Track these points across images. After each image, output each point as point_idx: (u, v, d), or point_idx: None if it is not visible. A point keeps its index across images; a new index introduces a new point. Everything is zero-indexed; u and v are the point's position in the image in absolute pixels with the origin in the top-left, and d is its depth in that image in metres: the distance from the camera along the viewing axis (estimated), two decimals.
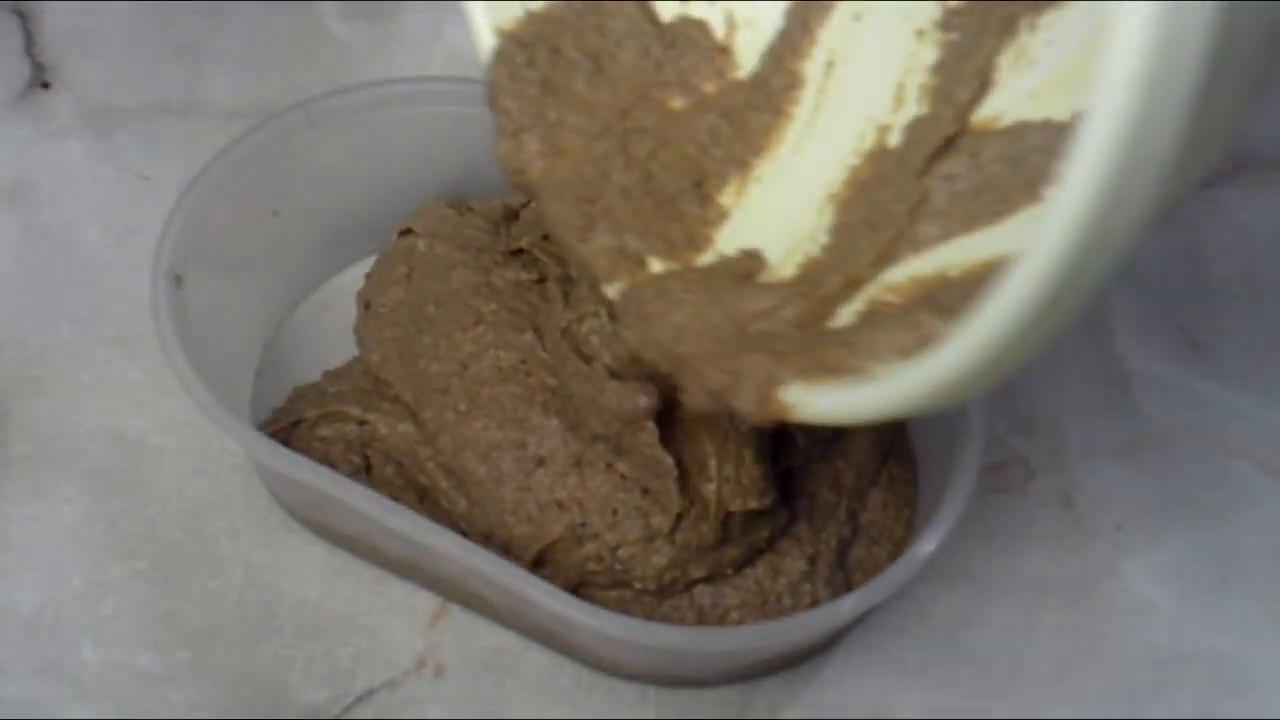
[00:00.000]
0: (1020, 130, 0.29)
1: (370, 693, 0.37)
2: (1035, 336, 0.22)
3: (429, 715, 0.37)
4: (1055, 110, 0.28)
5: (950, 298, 0.26)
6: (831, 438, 0.38)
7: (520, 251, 0.40)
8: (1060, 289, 0.20)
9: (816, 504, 0.38)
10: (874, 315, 0.28)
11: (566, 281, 0.38)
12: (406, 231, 0.41)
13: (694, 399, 0.29)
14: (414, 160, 0.42)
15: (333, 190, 0.42)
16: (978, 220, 0.28)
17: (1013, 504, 0.42)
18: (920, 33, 0.31)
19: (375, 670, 0.38)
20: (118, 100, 0.48)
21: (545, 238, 0.40)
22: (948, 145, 0.29)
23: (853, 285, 0.29)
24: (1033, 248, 0.20)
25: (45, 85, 0.49)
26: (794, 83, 0.33)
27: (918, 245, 0.29)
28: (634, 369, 0.36)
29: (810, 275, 0.30)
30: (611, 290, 0.32)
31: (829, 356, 0.27)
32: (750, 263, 0.31)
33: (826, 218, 0.31)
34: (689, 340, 0.29)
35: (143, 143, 0.47)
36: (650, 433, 0.35)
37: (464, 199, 0.42)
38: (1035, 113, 0.29)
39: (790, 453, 0.37)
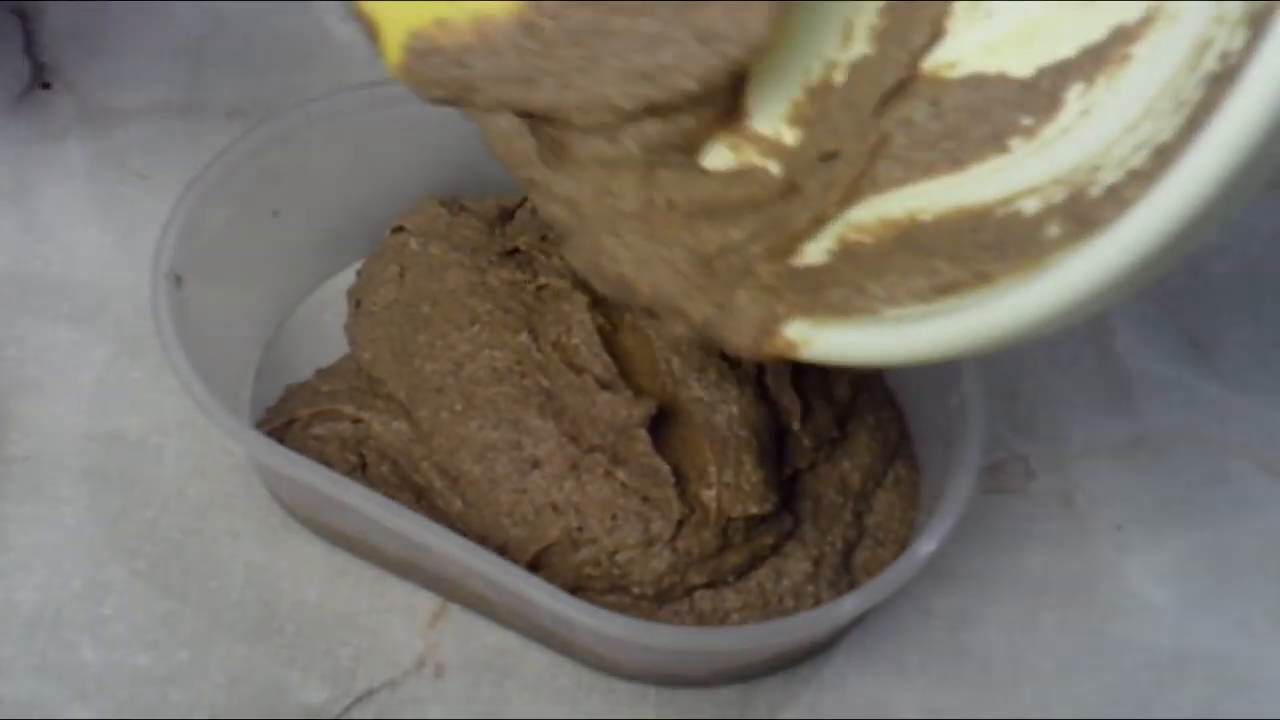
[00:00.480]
0: (976, 81, 0.29)
1: (370, 693, 0.37)
2: (1107, 296, 0.24)
3: (429, 715, 0.37)
4: (1012, 65, 0.29)
5: (938, 243, 0.27)
6: (837, 439, 0.38)
7: (515, 251, 0.40)
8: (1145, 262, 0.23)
9: (822, 506, 0.38)
10: (850, 254, 0.29)
11: (555, 290, 0.38)
12: (398, 229, 0.41)
13: (672, 329, 0.29)
14: (413, 160, 0.42)
15: (333, 190, 0.42)
16: (938, 166, 0.29)
17: (1013, 504, 0.42)
18: None
19: (375, 670, 0.38)
20: (118, 100, 0.48)
21: (543, 238, 0.40)
22: (900, 88, 0.30)
23: (818, 222, 0.29)
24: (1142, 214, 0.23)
25: (45, 85, 0.49)
26: None
27: (879, 185, 0.29)
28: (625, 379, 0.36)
29: (768, 210, 0.30)
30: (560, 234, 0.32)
31: (834, 296, 0.28)
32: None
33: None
34: (653, 278, 0.29)
35: (143, 143, 0.47)
36: (644, 441, 0.35)
37: (460, 198, 0.42)
38: (991, 65, 0.29)
39: (796, 456, 0.37)
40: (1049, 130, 0.28)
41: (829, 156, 0.30)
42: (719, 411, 0.36)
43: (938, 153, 0.29)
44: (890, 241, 0.28)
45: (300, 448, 0.38)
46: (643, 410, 0.35)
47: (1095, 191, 0.25)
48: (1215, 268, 0.47)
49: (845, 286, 0.28)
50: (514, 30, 0.30)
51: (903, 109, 0.30)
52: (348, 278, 0.43)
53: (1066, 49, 0.28)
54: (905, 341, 0.27)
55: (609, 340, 0.36)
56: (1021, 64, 0.29)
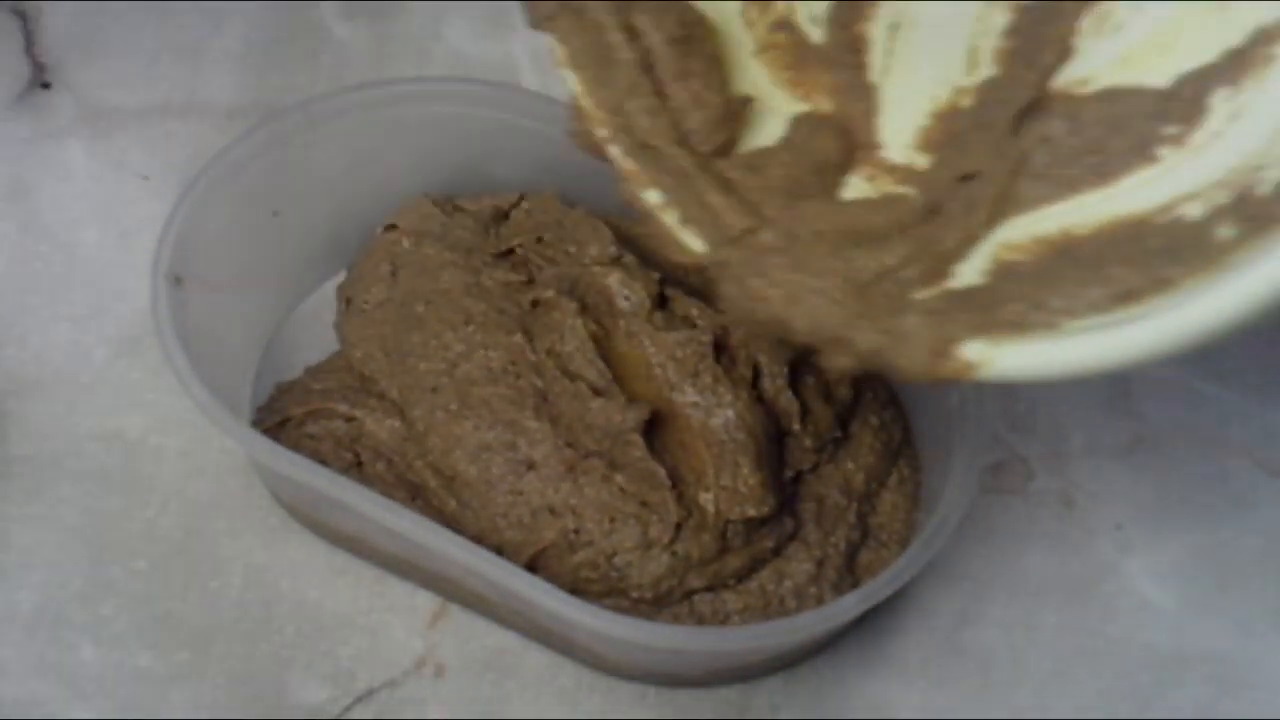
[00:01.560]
0: (1111, 95, 0.29)
1: (370, 693, 0.37)
2: None
3: (429, 715, 0.37)
4: (1149, 76, 0.29)
5: (1102, 254, 0.27)
6: (840, 439, 0.38)
7: (510, 252, 0.40)
8: None
9: (825, 508, 0.37)
10: (1008, 273, 0.29)
11: (545, 299, 0.38)
12: (390, 227, 0.41)
13: (835, 361, 0.29)
14: (414, 161, 0.42)
15: (332, 190, 0.42)
16: (1083, 181, 0.29)
17: (1013, 504, 0.42)
18: None
19: (375, 670, 0.38)
20: (118, 100, 0.48)
21: (538, 240, 0.40)
22: (1034, 107, 0.30)
23: (967, 242, 0.29)
24: None
25: (45, 85, 0.49)
26: (858, 46, 0.33)
27: (1024, 204, 0.29)
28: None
29: (914, 234, 0.30)
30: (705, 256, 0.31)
31: (1008, 312, 0.27)
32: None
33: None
34: (807, 311, 0.29)
35: (143, 143, 0.47)
36: (639, 446, 0.35)
37: (455, 198, 0.42)
38: (1125, 78, 0.29)
39: (798, 458, 0.37)
40: (1198, 136, 0.28)
41: (967, 177, 0.30)
42: (715, 415, 0.36)
43: (1081, 168, 0.29)
44: (1048, 258, 0.28)
45: (295, 446, 0.38)
46: (636, 415, 0.35)
47: (1263, 190, 0.25)
48: None
49: (1019, 302, 0.27)
50: None
51: (1040, 127, 0.30)
52: None
53: (1205, 55, 0.28)
54: (1093, 351, 0.26)
55: (602, 346, 0.36)
56: (1158, 74, 0.29)
